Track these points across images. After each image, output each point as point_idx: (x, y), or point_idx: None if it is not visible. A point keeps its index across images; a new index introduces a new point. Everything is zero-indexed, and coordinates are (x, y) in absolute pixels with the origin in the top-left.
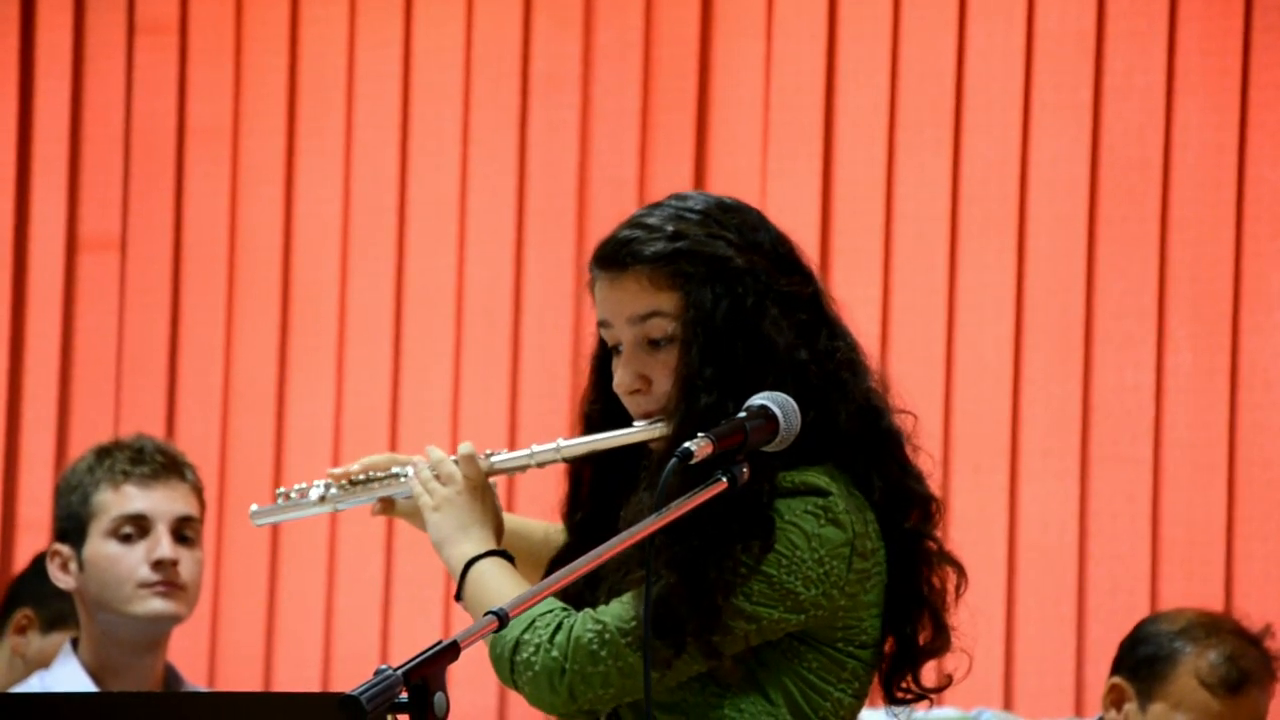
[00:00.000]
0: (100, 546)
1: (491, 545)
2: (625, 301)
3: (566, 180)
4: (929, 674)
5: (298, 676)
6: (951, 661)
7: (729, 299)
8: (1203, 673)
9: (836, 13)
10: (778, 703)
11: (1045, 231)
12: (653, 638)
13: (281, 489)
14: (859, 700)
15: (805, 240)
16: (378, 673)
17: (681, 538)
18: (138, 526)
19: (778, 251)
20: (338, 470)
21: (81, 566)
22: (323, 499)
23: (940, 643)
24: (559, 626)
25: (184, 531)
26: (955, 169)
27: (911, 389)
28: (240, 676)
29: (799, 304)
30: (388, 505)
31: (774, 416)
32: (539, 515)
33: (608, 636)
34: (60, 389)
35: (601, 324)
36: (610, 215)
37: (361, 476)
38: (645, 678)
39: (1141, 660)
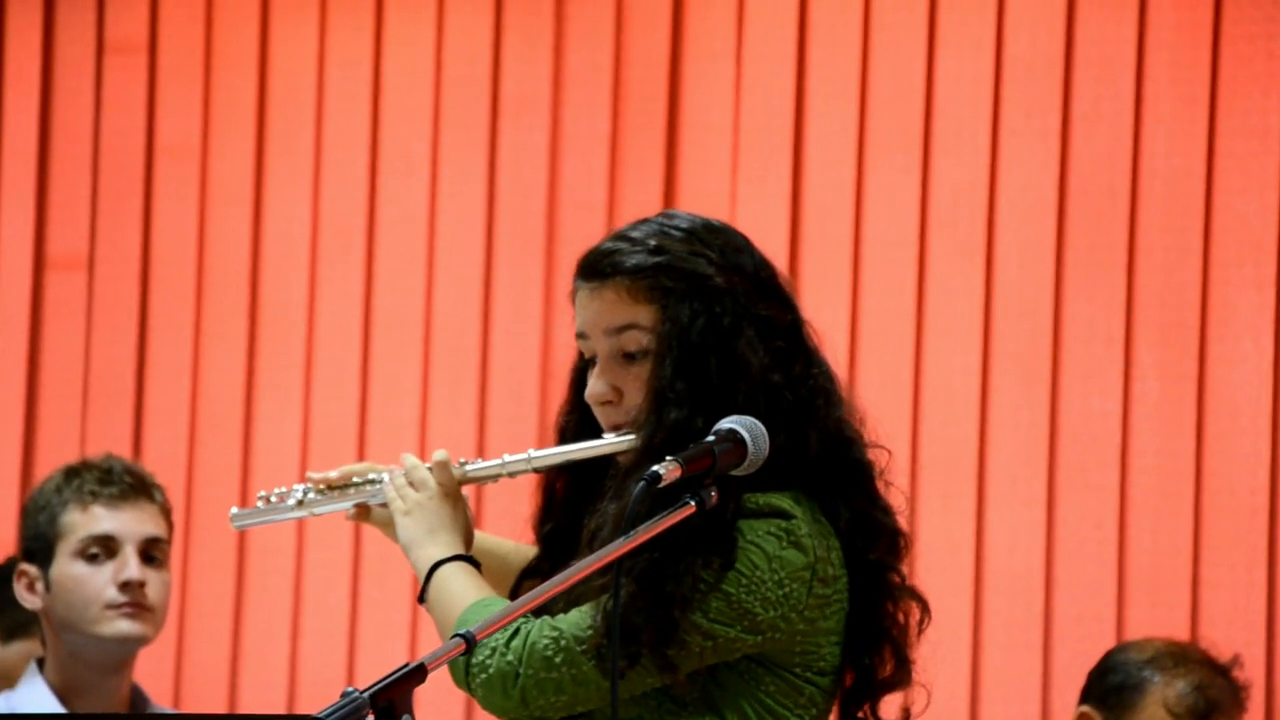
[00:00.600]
0: (67, 567)
1: (459, 550)
2: (603, 312)
3: (536, 201)
4: (889, 707)
5: (263, 698)
6: (912, 695)
7: (705, 316)
8: (1170, 702)
9: (806, 36)
10: None
11: (1013, 257)
12: (608, 648)
13: (262, 492)
14: None
15: (774, 263)
16: (344, 695)
17: (641, 549)
18: (105, 547)
19: (759, 276)
20: (317, 475)
21: (48, 587)
22: (300, 503)
23: (901, 676)
24: (516, 631)
25: (151, 553)
26: (924, 194)
27: (879, 414)
28: (206, 698)
29: (776, 329)
30: (363, 511)
31: (742, 441)
32: (509, 528)
33: (563, 644)
34: (26, 408)
35: (579, 335)
36: (579, 237)
37: (339, 482)
38: (613, 695)
39: (1110, 689)
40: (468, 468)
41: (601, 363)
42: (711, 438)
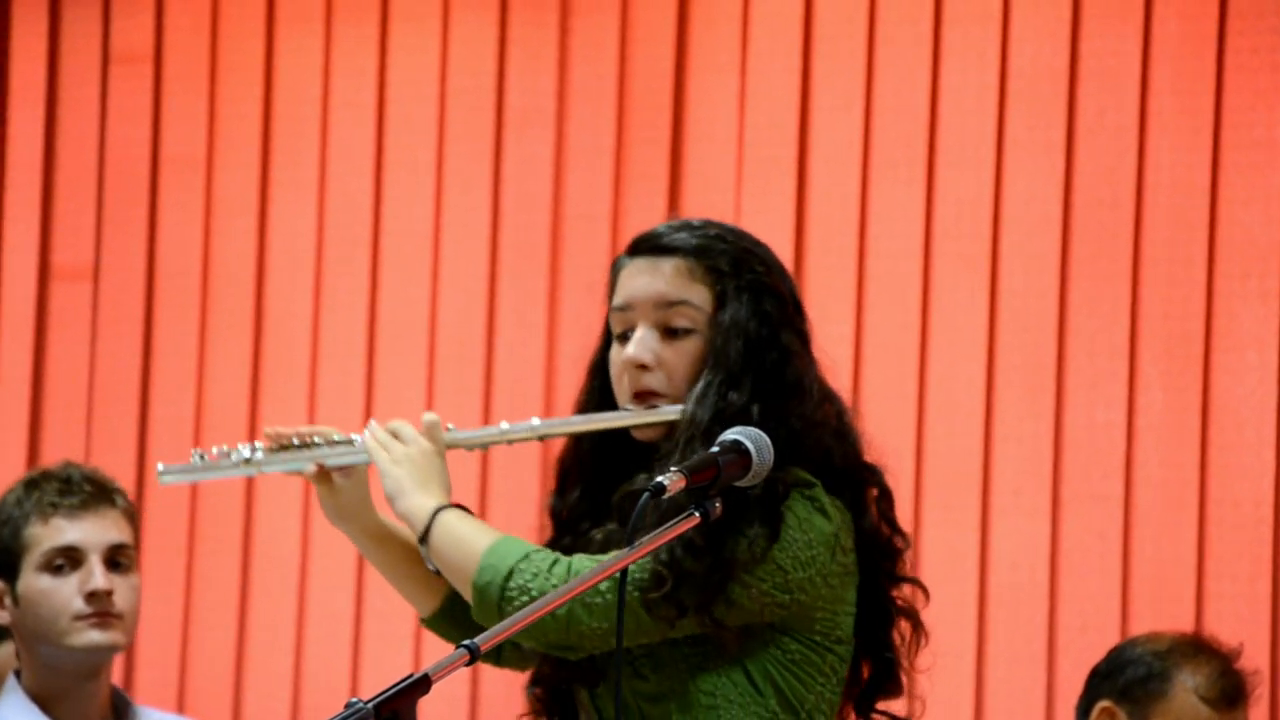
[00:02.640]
0: (33, 581)
1: (453, 500)
2: (659, 284)
3: (540, 214)
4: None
5: (267, 709)
6: (921, 686)
7: (759, 312)
8: (1201, 688)
9: (811, 49)
10: (765, 692)
11: (1018, 269)
12: (655, 591)
13: (197, 450)
14: (838, 697)
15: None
16: (348, 705)
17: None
18: (70, 558)
19: (794, 298)
20: (274, 430)
21: (16, 601)
22: (248, 461)
23: (896, 686)
24: (557, 560)
25: (117, 559)
26: (928, 206)
27: (883, 425)
28: (209, 709)
29: (807, 346)
30: (322, 474)
31: (746, 452)
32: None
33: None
34: (31, 419)
35: (619, 307)
36: (584, 249)
37: (296, 441)
38: (616, 690)
39: (1132, 682)
40: (456, 434)
41: (643, 331)
42: (716, 448)
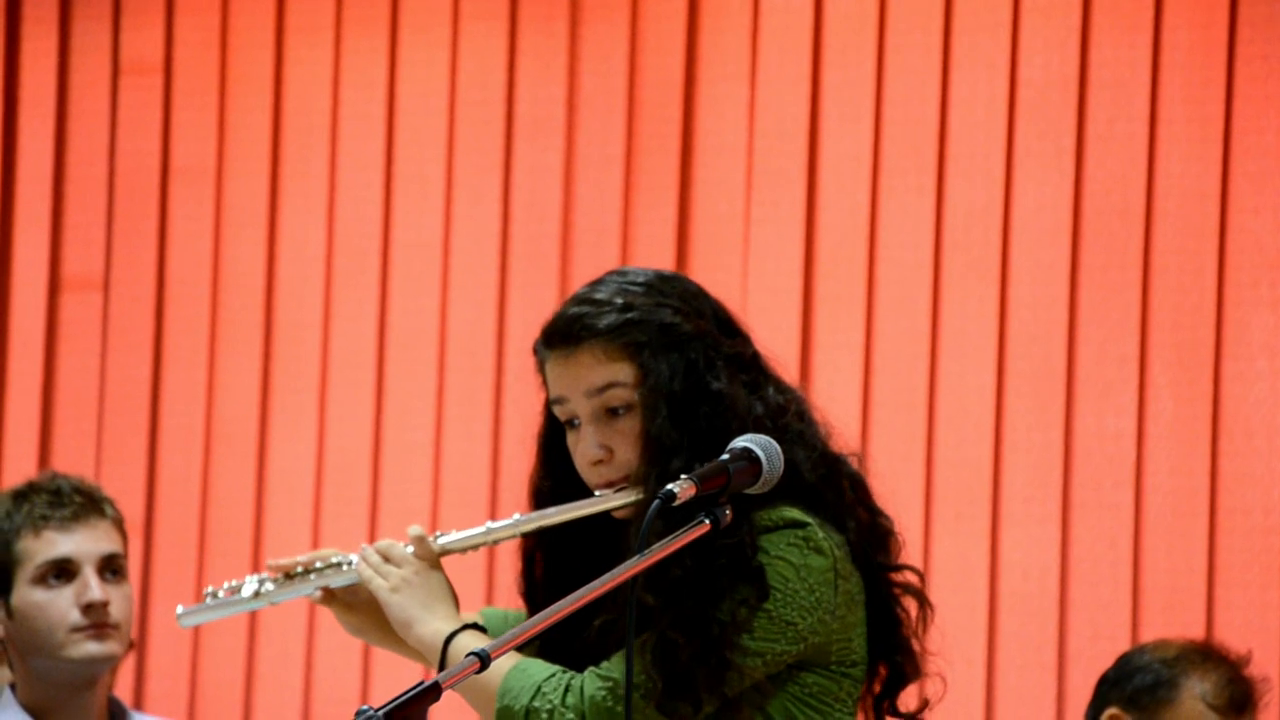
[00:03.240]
0: (27, 594)
1: (460, 620)
2: (581, 375)
3: (550, 223)
4: (907, 700)
5: (278, 717)
6: (927, 687)
7: (683, 364)
8: (1209, 695)
9: (821, 58)
10: None
11: (1028, 278)
12: (668, 699)
13: (209, 588)
14: (853, 717)
15: (787, 285)
16: (359, 713)
17: (678, 598)
18: (63, 570)
19: (718, 317)
20: (277, 563)
21: (10, 614)
22: (257, 594)
23: (915, 669)
24: (569, 688)
25: (110, 569)
26: (938, 215)
27: (893, 434)
28: (220, 717)
29: (743, 364)
30: (328, 595)
31: (757, 459)
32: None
33: (619, 692)
34: (41, 429)
35: (555, 401)
36: (594, 258)
37: (299, 570)
38: (627, 708)
39: (1140, 689)
40: (443, 540)
41: (586, 423)
42: (726, 456)
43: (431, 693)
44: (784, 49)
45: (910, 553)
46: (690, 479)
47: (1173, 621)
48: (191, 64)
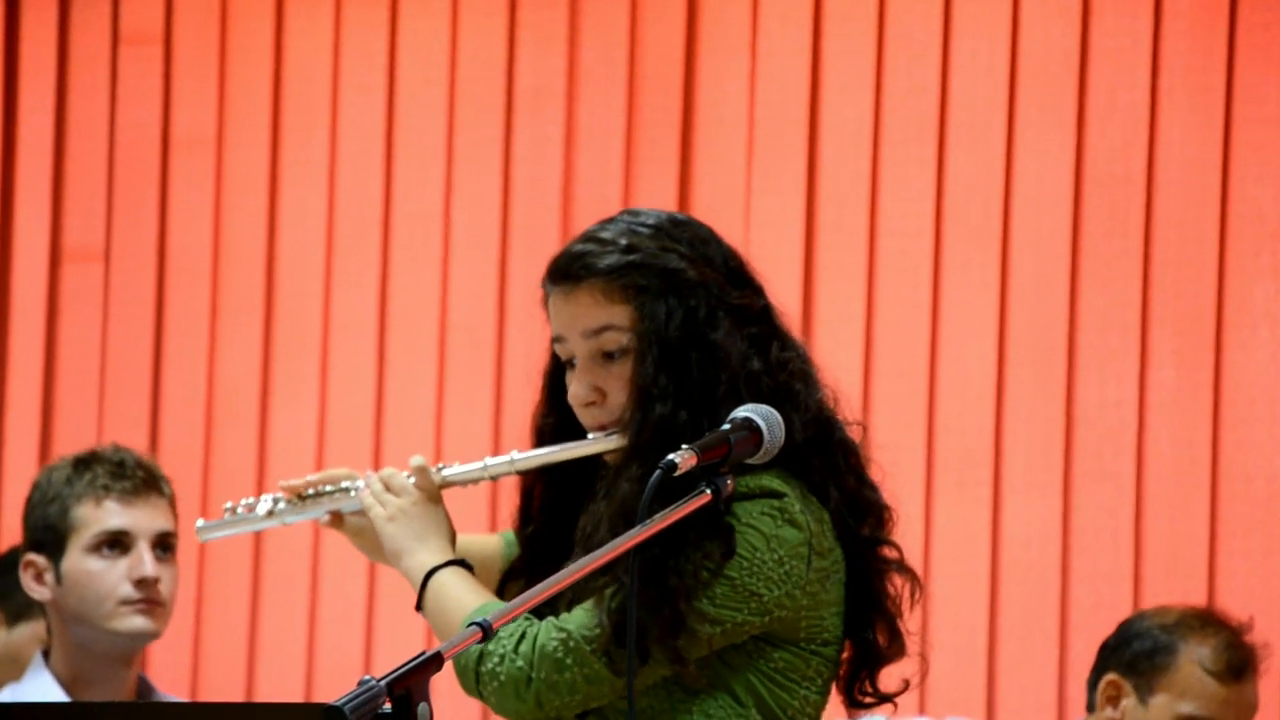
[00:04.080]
0: (80, 561)
1: (450, 555)
2: (579, 315)
3: (551, 195)
4: (888, 680)
5: (281, 687)
6: (911, 666)
7: (682, 311)
8: (1206, 661)
9: (821, 29)
10: (747, 704)
11: (1029, 247)
12: (616, 647)
13: (229, 504)
14: (823, 697)
15: (789, 255)
16: (361, 683)
17: (641, 546)
18: (119, 543)
19: (729, 265)
20: (288, 484)
21: (59, 579)
22: (271, 513)
23: (896, 648)
24: (523, 636)
25: (164, 547)
26: (939, 185)
27: (895, 403)
28: (223, 688)
29: (750, 317)
30: (337, 519)
31: (758, 429)
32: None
33: (572, 644)
34: (43, 400)
35: (556, 339)
36: None
37: (311, 491)
38: (629, 685)
39: (1139, 655)
40: (445, 472)
41: (581, 364)
42: (727, 426)
43: (434, 662)
44: (784, 20)
45: (911, 522)
46: (691, 449)
47: (1174, 590)
48: (191, 34)
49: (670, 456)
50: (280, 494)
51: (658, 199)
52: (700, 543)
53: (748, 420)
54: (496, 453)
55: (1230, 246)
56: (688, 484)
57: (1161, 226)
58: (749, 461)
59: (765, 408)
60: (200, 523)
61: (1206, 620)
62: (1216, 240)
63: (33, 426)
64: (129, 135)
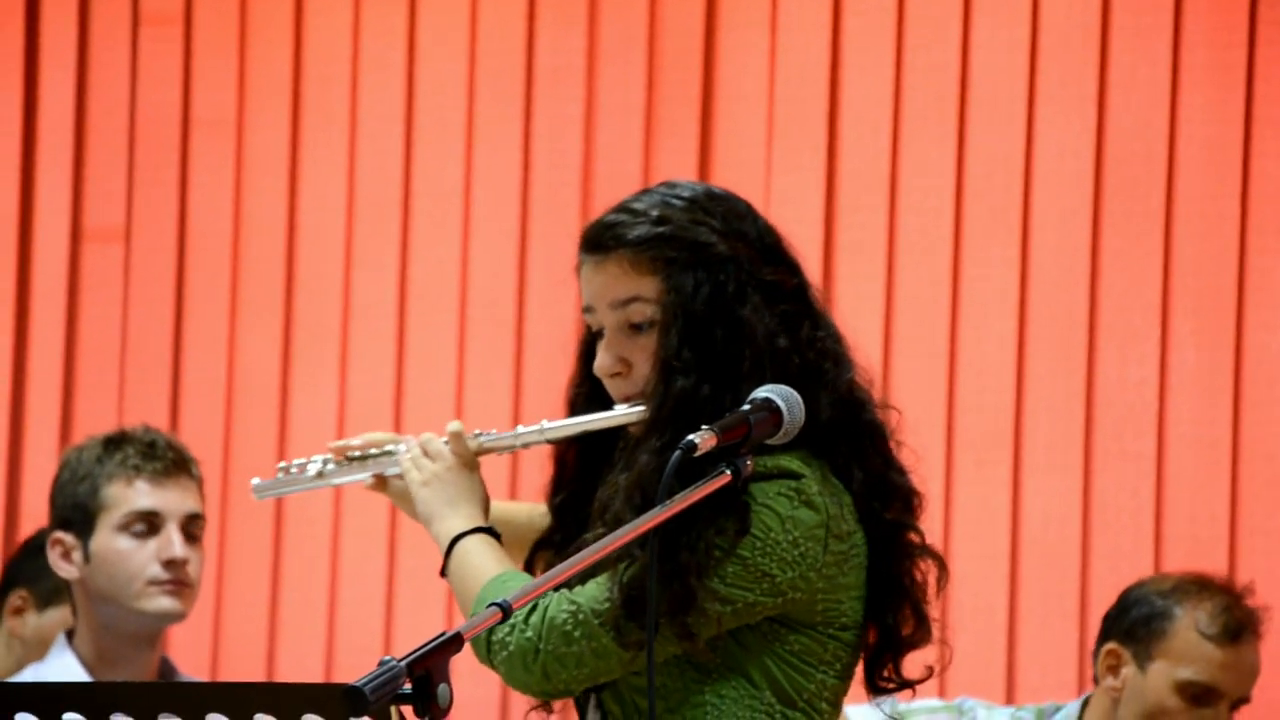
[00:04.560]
0: (110, 540)
1: (479, 522)
2: (607, 285)
3: (571, 173)
4: (911, 665)
5: (302, 667)
6: (934, 653)
7: (710, 285)
8: (1203, 624)
9: (841, 5)
10: (761, 685)
11: (1050, 225)
12: (626, 620)
13: (282, 463)
14: (842, 682)
15: (809, 233)
16: (381, 664)
17: (660, 527)
18: (149, 523)
19: (764, 241)
20: (336, 444)
21: (87, 558)
22: (320, 474)
23: (921, 634)
24: (534, 607)
25: (191, 529)
26: (960, 162)
27: (914, 382)
28: (244, 668)
29: (782, 294)
30: (381, 482)
31: (778, 409)
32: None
33: (581, 617)
34: (64, 380)
35: (586, 309)
36: None
37: (358, 453)
38: (649, 663)
39: (1136, 622)
40: (482, 438)
41: (609, 335)
42: (747, 406)
43: (454, 643)
44: None
45: (931, 502)
46: (711, 430)
47: (1194, 568)
48: (211, 14)
49: (690, 437)
50: (329, 455)
51: (677, 175)
52: (715, 519)
53: (767, 401)
54: (512, 428)
55: (1251, 225)
56: (707, 463)
57: (1183, 204)
58: (769, 442)
59: (785, 388)
60: (256, 481)
61: (1203, 585)
62: (1238, 218)
63: (54, 406)
64: (149, 116)
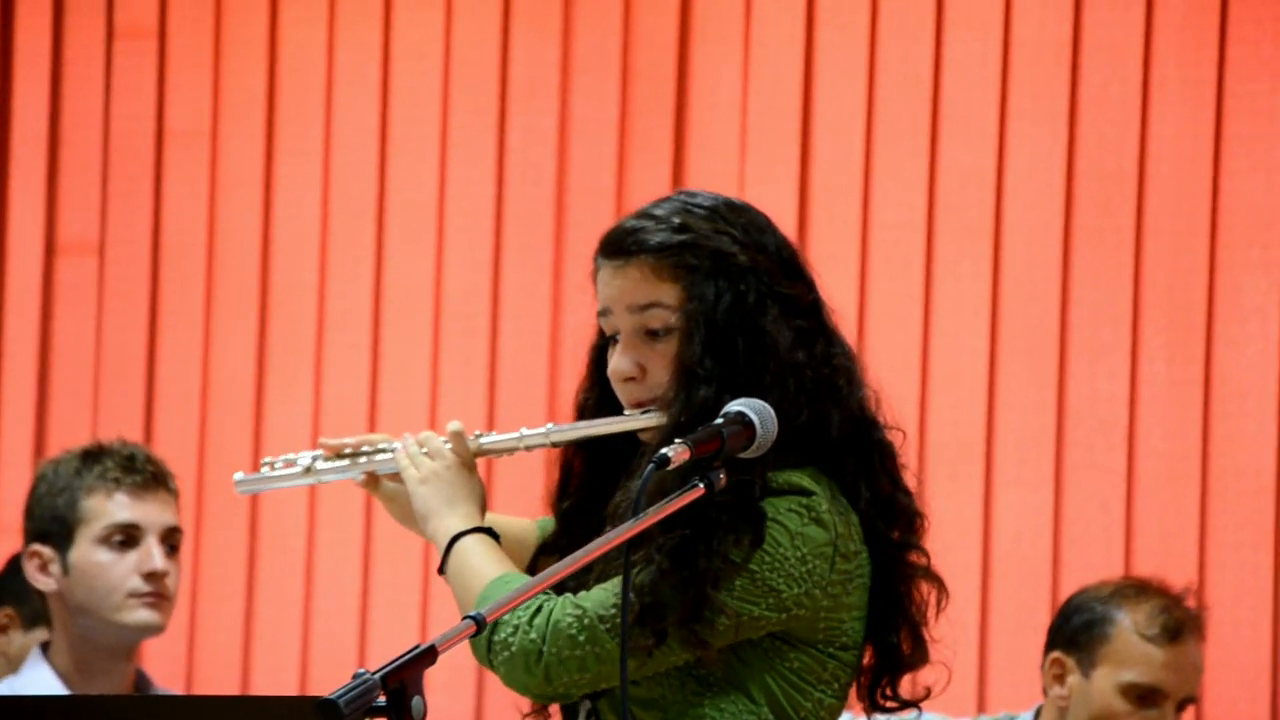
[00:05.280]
0: (89, 553)
1: (477, 522)
2: (627, 290)
3: (545, 185)
4: (906, 685)
5: (276, 680)
6: (930, 674)
7: (731, 294)
8: (1141, 626)
9: (814, 19)
10: (760, 702)
11: (1021, 240)
12: (635, 626)
13: (267, 459)
14: (839, 701)
15: (794, 243)
16: (356, 676)
17: (672, 527)
18: (128, 536)
19: (781, 255)
20: (328, 441)
21: (66, 570)
22: (309, 470)
23: (919, 655)
24: (539, 609)
25: (170, 542)
26: (932, 177)
27: (887, 395)
28: (218, 680)
29: (799, 309)
30: (372, 481)
31: (750, 423)
32: (523, 505)
33: (586, 621)
34: (38, 392)
35: (601, 312)
36: (588, 220)
37: (349, 450)
38: (622, 672)
39: (1077, 629)
40: (483, 440)
41: (625, 340)
42: (720, 420)
43: (428, 656)
44: (778, 9)
45: None
46: (684, 443)
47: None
48: (186, 27)
49: (663, 450)
50: (320, 451)
51: (651, 189)
52: (734, 526)
53: (741, 414)
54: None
55: (1221, 239)
56: (684, 478)
57: (1153, 219)
58: (743, 456)
59: (758, 402)
60: (239, 475)
61: (1140, 588)
62: (1208, 233)
63: (27, 418)
64: (124, 128)
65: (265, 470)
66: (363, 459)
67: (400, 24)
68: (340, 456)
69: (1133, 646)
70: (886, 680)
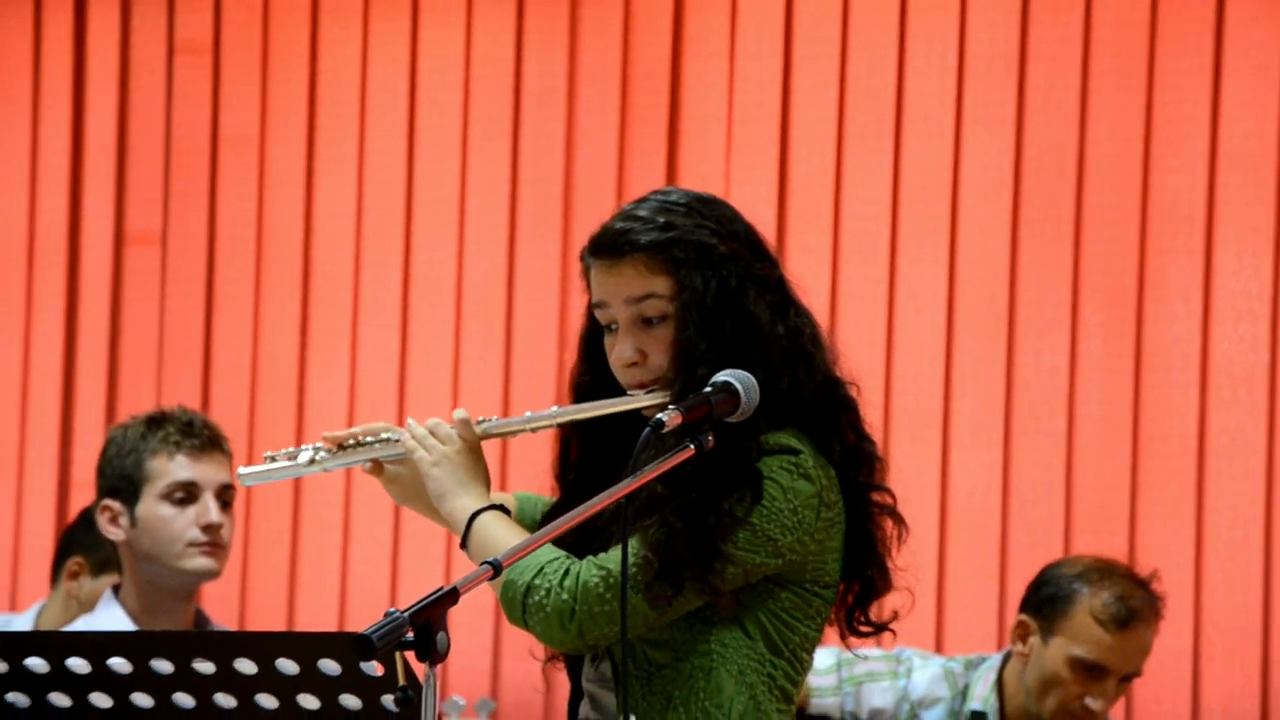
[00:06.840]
0: (154, 507)
1: (489, 500)
2: (623, 284)
3: (554, 184)
4: (875, 611)
5: (318, 618)
6: (896, 599)
7: (716, 281)
8: (1096, 610)
9: (792, 37)
10: (754, 636)
11: (975, 230)
12: (655, 580)
13: (269, 452)
14: (819, 633)
15: (757, 226)
16: (387, 615)
17: (683, 491)
18: (188, 492)
19: (750, 240)
20: (331, 434)
21: (133, 522)
22: (312, 461)
23: (884, 584)
24: (567, 572)
25: (224, 498)
26: (896, 175)
27: (856, 368)
28: (267, 619)
29: (770, 286)
30: (376, 466)
31: (735, 391)
32: (531, 477)
33: (612, 580)
34: (109, 368)
35: (597, 305)
36: (593, 215)
37: (352, 441)
38: (622, 622)
39: (1045, 599)
40: (485, 424)
41: (624, 328)
42: (708, 389)
43: (450, 597)
44: (760, 28)
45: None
46: (676, 409)
47: (1100, 534)
48: (237, 44)
49: (659, 415)
50: (321, 444)
51: (647, 185)
52: (736, 486)
53: (727, 384)
54: (506, 414)
55: (1150, 229)
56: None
57: (1090, 211)
58: (729, 420)
59: (742, 372)
60: (242, 469)
61: (1107, 572)
62: (1138, 224)
63: (100, 388)
64: (183, 133)
65: (267, 462)
66: (365, 449)
67: (426, 41)
68: (343, 448)
69: (1087, 627)
70: (865, 607)
